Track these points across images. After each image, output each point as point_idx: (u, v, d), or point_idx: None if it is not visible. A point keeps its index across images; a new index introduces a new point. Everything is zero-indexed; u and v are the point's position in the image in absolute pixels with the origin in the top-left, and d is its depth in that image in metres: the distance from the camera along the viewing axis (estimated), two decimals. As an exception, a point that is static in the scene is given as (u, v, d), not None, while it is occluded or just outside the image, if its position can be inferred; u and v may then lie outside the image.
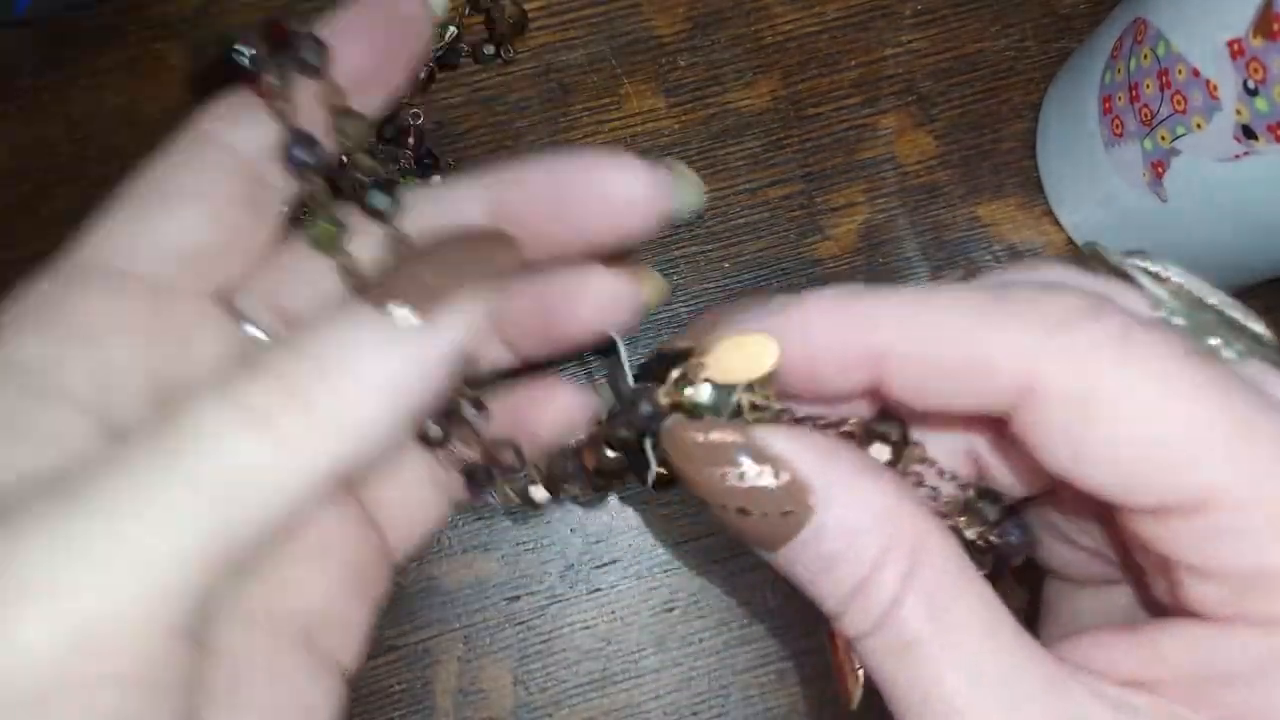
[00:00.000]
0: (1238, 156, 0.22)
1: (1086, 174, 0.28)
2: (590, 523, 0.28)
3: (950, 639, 0.12)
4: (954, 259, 0.30)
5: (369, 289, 0.12)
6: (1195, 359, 0.12)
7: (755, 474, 0.12)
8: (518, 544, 0.28)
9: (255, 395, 0.11)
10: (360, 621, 0.16)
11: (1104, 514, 0.14)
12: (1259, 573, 0.12)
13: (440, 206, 0.15)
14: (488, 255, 0.12)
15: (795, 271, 0.29)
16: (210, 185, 0.13)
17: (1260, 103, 0.21)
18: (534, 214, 0.14)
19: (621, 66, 0.31)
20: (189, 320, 0.13)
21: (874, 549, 0.13)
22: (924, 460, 0.15)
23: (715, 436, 0.13)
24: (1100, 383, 0.12)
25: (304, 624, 0.15)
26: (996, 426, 0.14)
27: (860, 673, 0.14)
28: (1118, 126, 0.26)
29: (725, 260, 0.30)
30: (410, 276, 0.12)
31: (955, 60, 0.31)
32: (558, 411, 0.17)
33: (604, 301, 0.15)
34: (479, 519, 0.28)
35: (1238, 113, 0.22)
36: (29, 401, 0.12)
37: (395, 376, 0.11)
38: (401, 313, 0.11)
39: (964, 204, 0.30)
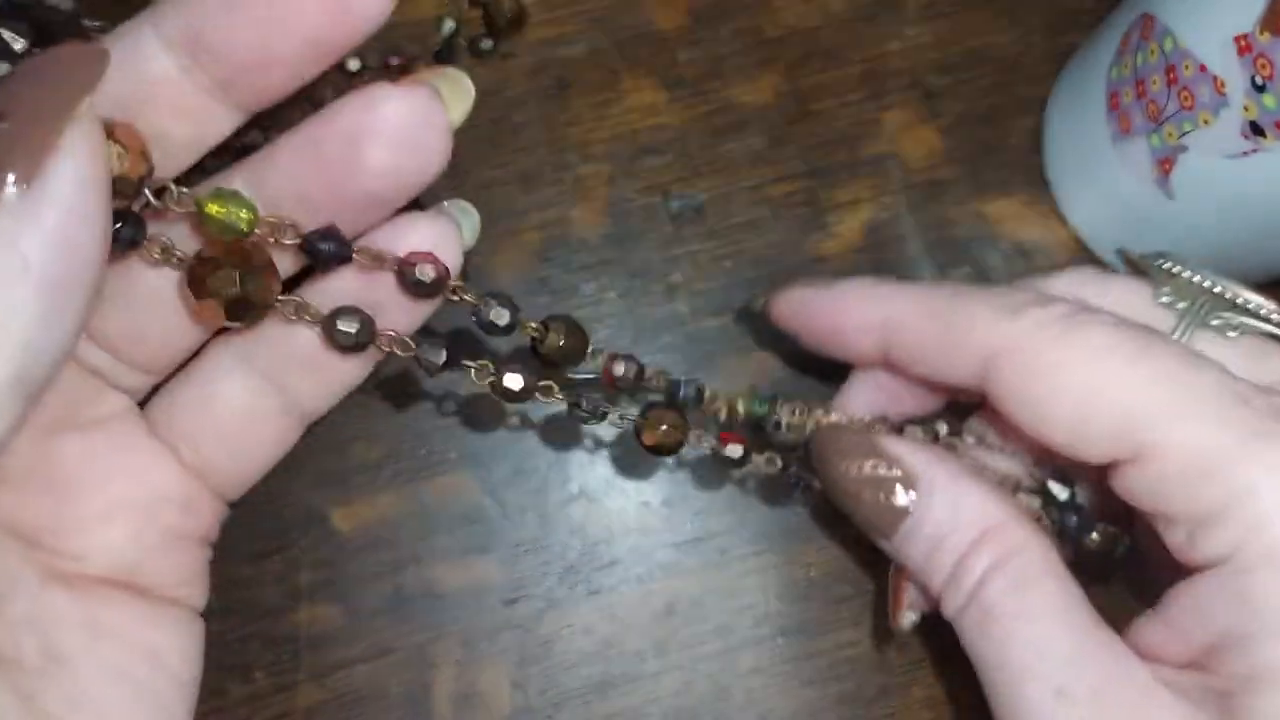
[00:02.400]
0: (1245, 153, 0.23)
1: (1093, 170, 0.28)
2: (590, 525, 0.28)
3: (1027, 615, 0.15)
4: (959, 256, 0.30)
5: None
6: (1133, 331, 0.15)
7: (873, 467, 0.16)
8: (516, 546, 0.28)
9: None
10: (190, 561, 0.15)
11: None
12: (1205, 513, 0.14)
13: (120, 58, 0.12)
14: (67, 77, 0.11)
15: (798, 269, 0.30)
16: None
17: (1268, 99, 0.22)
18: (238, 40, 0.12)
19: (621, 60, 0.31)
20: None
21: (969, 535, 0.16)
22: (985, 445, 0.19)
23: (849, 440, 0.17)
24: (1043, 352, 0.16)
25: (120, 578, 0.14)
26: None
27: (908, 610, 0.19)
28: (1125, 123, 0.26)
29: (727, 258, 0.30)
30: None
31: (961, 55, 0.31)
32: (421, 244, 0.15)
33: (399, 132, 0.13)
34: (474, 521, 0.28)
35: (1245, 109, 0.22)
36: None
37: (29, 254, 0.10)
38: (5, 191, 0.10)
39: (969, 200, 0.30)
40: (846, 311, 0.18)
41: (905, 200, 0.30)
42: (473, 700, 0.27)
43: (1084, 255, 0.30)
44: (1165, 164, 0.25)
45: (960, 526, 0.16)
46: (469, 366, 0.17)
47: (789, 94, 0.31)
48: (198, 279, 0.14)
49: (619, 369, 0.18)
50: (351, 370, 0.16)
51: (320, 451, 0.28)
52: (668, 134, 0.31)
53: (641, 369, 0.19)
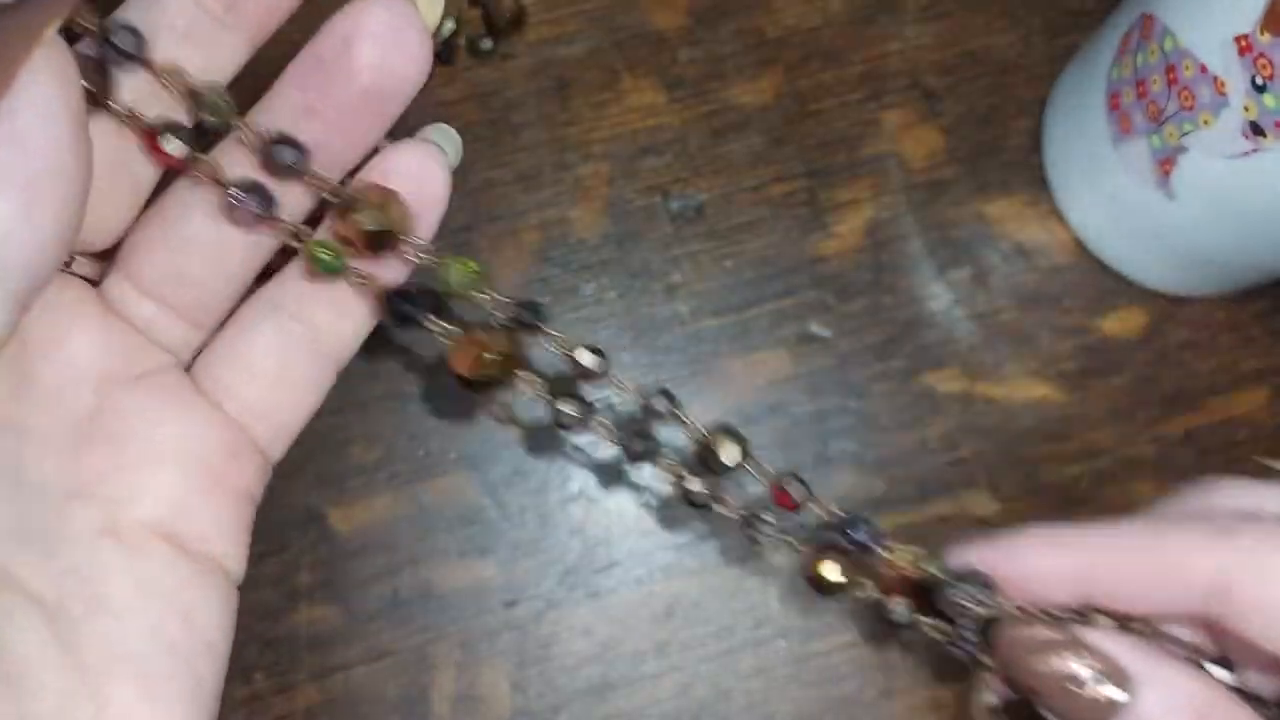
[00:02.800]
0: (1246, 153, 0.23)
1: (1093, 171, 0.28)
2: (590, 526, 0.28)
3: None
4: (959, 256, 0.30)
5: None
6: None
7: (1077, 664, 0.16)
8: (515, 548, 0.28)
9: None
10: (234, 521, 0.16)
11: None
12: None
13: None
14: (36, 9, 0.12)
15: (798, 269, 0.30)
16: None
17: (1269, 99, 0.22)
18: None
19: (621, 61, 0.31)
20: None
21: (1186, 717, 0.15)
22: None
23: (1045, 635, 0.16)
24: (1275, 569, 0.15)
25: (161, 529, 0.15)
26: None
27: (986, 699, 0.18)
28: (1125, 123, 0.26)
29: (727, 258, 0.30)
30: None
31: (961, 55, 0.31)
32: (409, 180, 0.16)
33: (383, 31, 0.15)
34: (473, 522, 0.28)
35: (1246, 109, 0.22)
36: None
37: (3, 158, 0.11)
38: None
39: (969, 201, 0.31)
40: (1030, 567, 0.17)
41: (905, 200, 0.30)
42: (472, 702, 0.27)
43: (1083, 255, 0.30)
44: (1165, 164, 0.25)
45: (1175, 709, 0.15)
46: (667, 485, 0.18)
47: (789, 94, 0.31)
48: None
49: (794, 492, 0.18)
50: (367, 310, 0.17)
51: (318, 453, 0.28)
52: (668, 134, 0.31)
53: (809, 490, 0.18)
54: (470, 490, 0.28)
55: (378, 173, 0.16)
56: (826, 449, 0.29)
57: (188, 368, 0.17)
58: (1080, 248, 0.30)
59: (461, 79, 0.31)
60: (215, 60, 0.15)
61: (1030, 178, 0.31)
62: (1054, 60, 0.31)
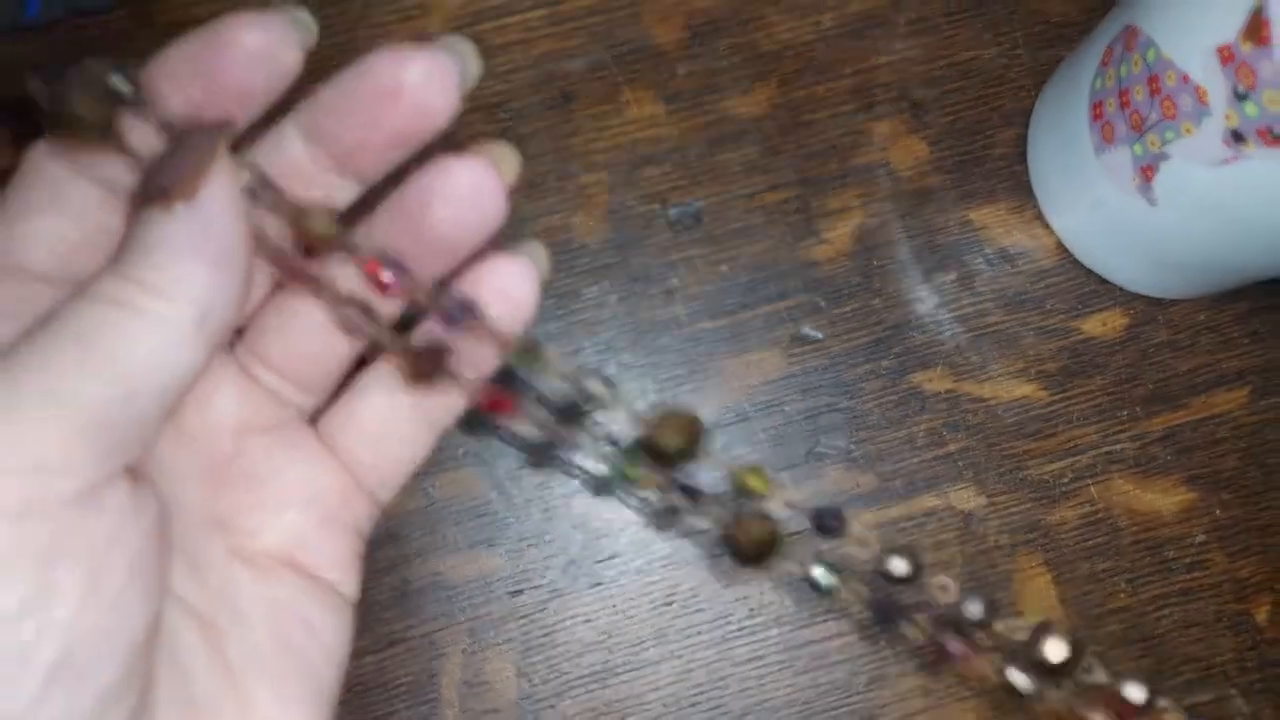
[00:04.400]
0: (1227, 161, 0.22)
1: (1077, 179, 0.27)
2: (592, 518, 0.27)
3: None
4: (946, 261, 0.29)
5: (138, 199, 0.14)
6: None
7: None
8: (521, 539, 0.27)
9: (111, 287, 0.13)
10: (346, 553, 0.17)
11: None
12: None
13: (269, 155, 0.16)
14: (205, 134, 0.14)
15: (791, 274, 0.29)
16: (69, 199, 0.15)
17: (1250, 108, 0.21)
18: (347, 130, 0.15)
19: (622, 74, 0.30)
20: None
21: None
22: None
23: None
24: None
25: (285, 558, 0.16)
26: None
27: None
28: (1108, 132, 0.25)
29: (723, 263, 0.29)
30: (160, 173, 0.14)
31: (948, 68, 0.30)
32: (504, 294, 0.17)
33: (463, 192, 0.16)
34: (481, 515, 0.27)
35: (1227, 118, 0.21)
36: None
37: (192, 237, 0.13)
38: (176, 193, 0.13)
39: (956, 208, 0.30)
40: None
41: (894, 207, 0.29)
42: (479, 687, 0.26)
43: (1066, 259, 0.29)
44: (1147, 172, 0.24)
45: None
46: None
47: (783, 106, 0.30)
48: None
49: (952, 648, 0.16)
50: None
51: (334, 449, 0.27)
52: (666, 145, 0.30)
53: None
54: (478, 484, 0.27)
55: (471, 282, 0.17)
56: (818, 445, 0.28)
57: (311, 420, 0.18)
58: (1063, 252, 0.29)
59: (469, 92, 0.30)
60: (334, 198, 0.17)
61: (1015, 185, 0.30)
62: (1038, 72, 0.30)
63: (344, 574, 0.17)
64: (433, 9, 0.30)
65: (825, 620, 0.27)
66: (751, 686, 0.27)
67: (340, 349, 0.18)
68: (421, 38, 0.27)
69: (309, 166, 0.16)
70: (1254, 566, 0.28)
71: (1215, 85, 0.21)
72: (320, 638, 0.16)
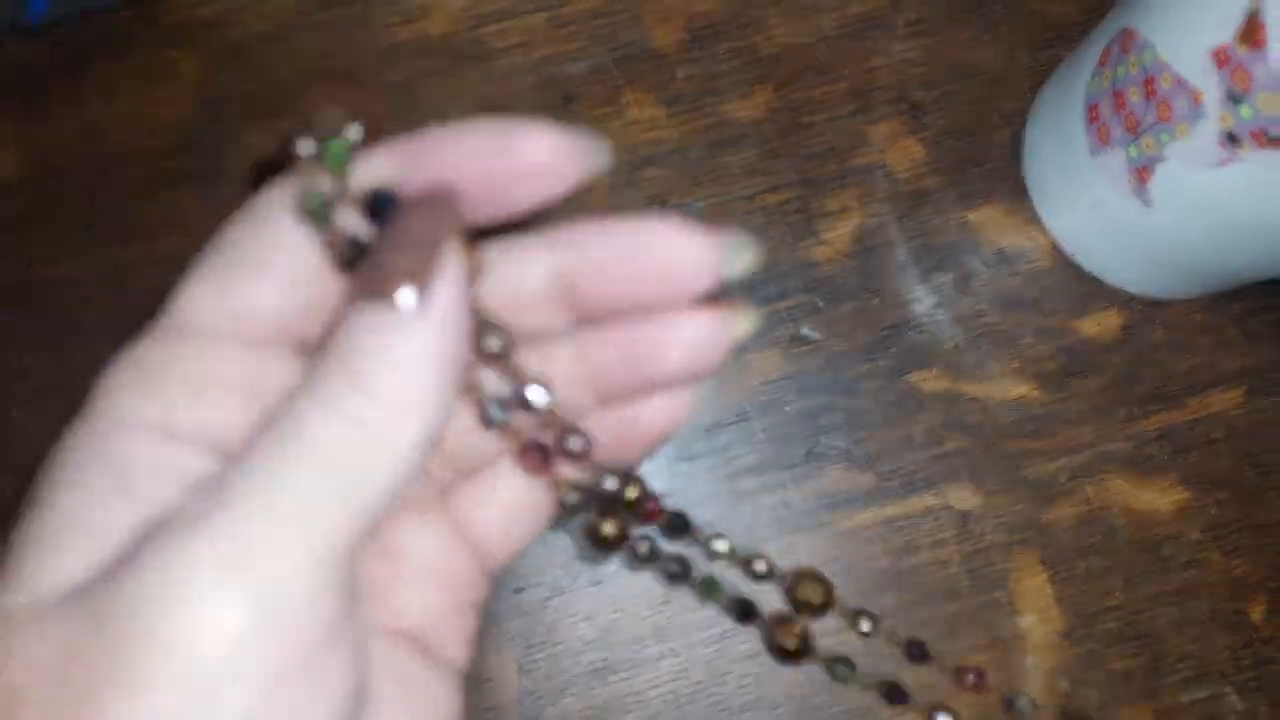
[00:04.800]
0: (1222, 163, 0.22)
1: (1072, 180, 0.27)
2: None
3: None
4: (943, 262, 0.29)
5: (360, 287, 0.12)
6: None
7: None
8: (523, 537, 0.27)
9: (350, 402, 0.12)
10: (465, 626, 0.17)
11: None
12: None
13: (506, 268, 0.15)
14: (437, 215, 0.13)
15: (790, 274, 0.29)
16: (287, 257, 0.14)
17: (1245, 110, 0.20)
18: (604, 286, 0.15)
19: (623, 77, 0.30)
20: (283, 373, 0.14)
21: None
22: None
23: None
24: None
25: (418, 636, 0.16)
26: None
27: None
28: (1103, 134, 0.25)
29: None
30: (387, 261, 0.12)
31: (946, 69, 0.30)
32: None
33: (694, 345, 0.15)
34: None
35: (1222, 120, 0.21)
36: (146, 448, 0.13)
37: (428, 348, 0.12)
38: (402, 297, 0.12)
39: (953, 209, 0.29)
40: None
41: (892, 209, 0.29)
42: (482, 683, 0.27)
43: (1062, 260, 0.29)
44: (1143, 174, 0.24)
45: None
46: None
47: (782, 109, 0.30)
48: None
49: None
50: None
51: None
52: (667, 147, 0.30)
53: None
54: (480, 483, 0.27)
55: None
56: (817, 444, 0.28)
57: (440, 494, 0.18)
58: (1059, 253, 0.29)
59: (469, 93, 0.30)
60: (551, 330, 0.16)
61: (1012, 186, 0.29)
62: (1035, 74, 0.30)
63: (462, 651, 0.17)
64: (434, 11, 0.30)
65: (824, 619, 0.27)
66: (749, 683, 0.27)
67: (492, 444, 0.17)
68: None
69: (537, 294, 0.15)
70: (1249, 565, 0.28)
71: (1210, 88, 0.21)
72: (441, 713, 0.16)
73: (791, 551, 0.27)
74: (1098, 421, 0.28)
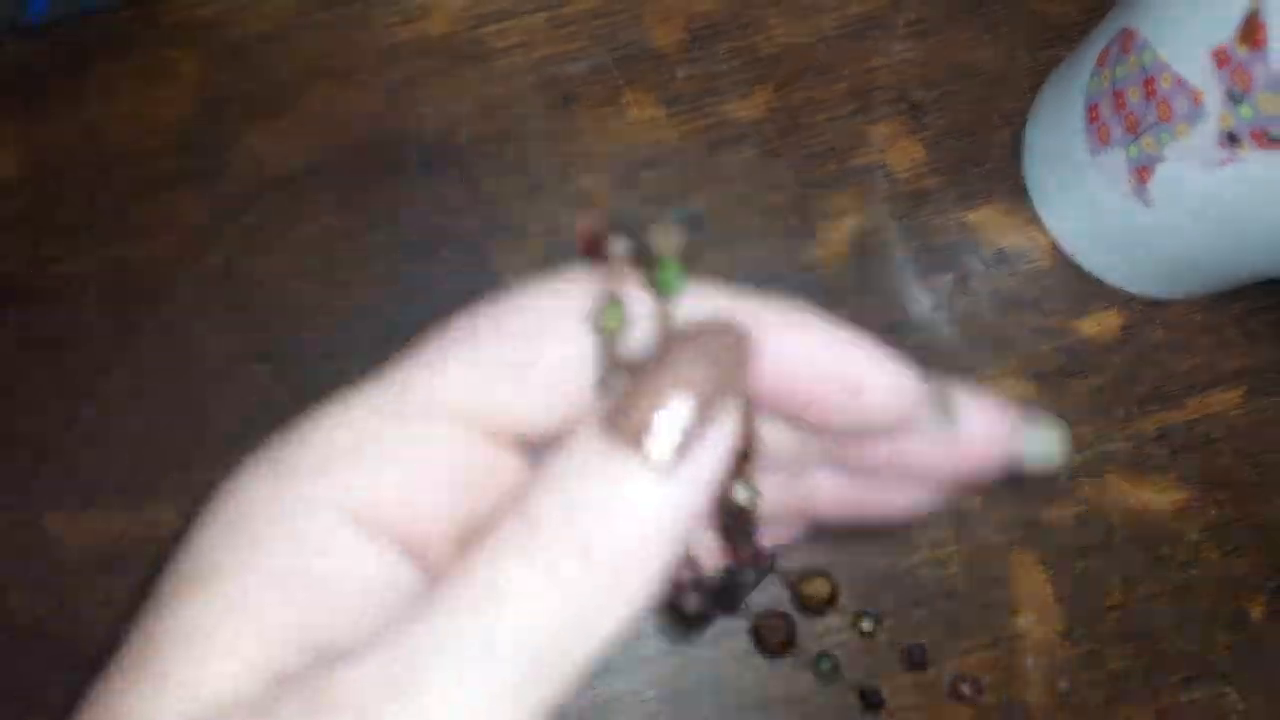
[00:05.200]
0: (1222, 163, 0.22)
1: (1072, 180, 0.27)
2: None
3: None
4: (942, 262, 0.29)
5: (609, 424, 0.10)
6: None
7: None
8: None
9: (541, 547, 0.10)
10: None
11: None
12: None
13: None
14: (718, 355, 0.11)
15: (789, 275, 0.29)
16: (559, 357, 0.12)
17: (1245, 110, 0.20)
18: (905, 466, 0.13)
19: (623, 77, 0.30)
20: (497, 469, 0.12)
21: None
22: None
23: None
24: None
25: None
26: None
27: None
28: (1103, 134, 0.25)
29: (722, 265, 0.29)
30: (651, 404, 0.10)
31: (946, 70, 0.30)
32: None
33: (986, 452, 0.13)
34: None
35: (1222, 120, 0.21)
36: (332, 533, 0.11)
37: (661, 516, 0.10)
38: (658, 452, 0.10)
39: (953, 210, 0.29)
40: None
41: (891, 209, 0.29)
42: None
43: (1062, 260, 0.29)
44: (1142, 174, 0.24)
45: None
46: None
47: (781, 109, 0.30)
48: None
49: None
50: None
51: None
52: (667, 147, 0.29)
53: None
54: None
55: (924, 447, 0.14)
56: (816, 445, 0.28)
57: None
58: (1059, 253, 0.29)
59: (469, 93, 0.30)
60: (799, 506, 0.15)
61: (1011, 187, 0.29)
62: (1035, 74, 0.30)
63: None
64: (434, 11, 0.30)
65: (824, 617, 0.27)
66: (748, 682, 0.27)
67: None
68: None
69: (798, 456, 0.14)
70: (1248, 564, 0.28)
71: (1210, 88, 0.21)
72: None
73: (791, 551, 0.27)
74: (1097, 421, 0.28)
